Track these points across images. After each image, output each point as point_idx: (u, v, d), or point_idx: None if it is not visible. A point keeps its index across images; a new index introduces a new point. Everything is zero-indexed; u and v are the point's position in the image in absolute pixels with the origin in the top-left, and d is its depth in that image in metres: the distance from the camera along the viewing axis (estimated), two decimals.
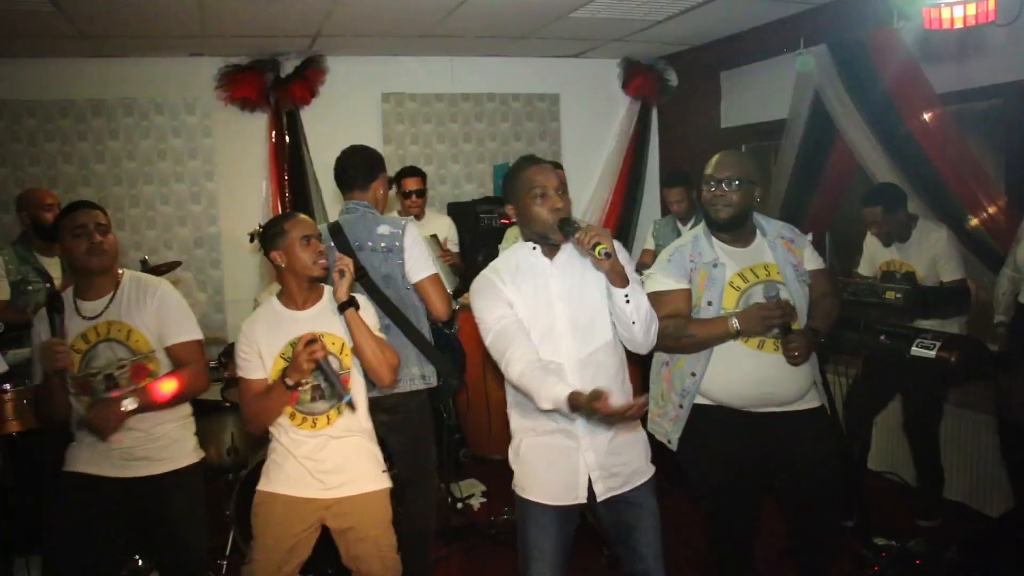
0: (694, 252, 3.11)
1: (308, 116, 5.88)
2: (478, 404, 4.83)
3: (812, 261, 3.21)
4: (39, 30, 4.76)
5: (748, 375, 3.04)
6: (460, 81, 6.29)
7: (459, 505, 4.85)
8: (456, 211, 5.89)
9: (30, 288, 4.10)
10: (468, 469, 5.33)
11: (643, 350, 2.71)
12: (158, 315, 2.93)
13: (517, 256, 2.74)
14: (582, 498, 2.67)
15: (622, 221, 6.62)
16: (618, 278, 2.54)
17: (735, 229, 3.10)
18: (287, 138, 5.82)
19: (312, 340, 2.73)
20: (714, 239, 3.13)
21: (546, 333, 2.62)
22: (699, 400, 3.11)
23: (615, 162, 6.67)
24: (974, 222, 4.53)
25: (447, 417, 5.06)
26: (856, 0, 4.76)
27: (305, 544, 2.95)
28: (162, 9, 4.49)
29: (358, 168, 3.61)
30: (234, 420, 4.52)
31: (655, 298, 2.94)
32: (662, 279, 3.10)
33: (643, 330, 2.62)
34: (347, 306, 2.87)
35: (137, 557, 3.96)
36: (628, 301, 2.56)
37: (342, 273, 2.86)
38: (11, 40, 4.97)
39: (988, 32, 4.04)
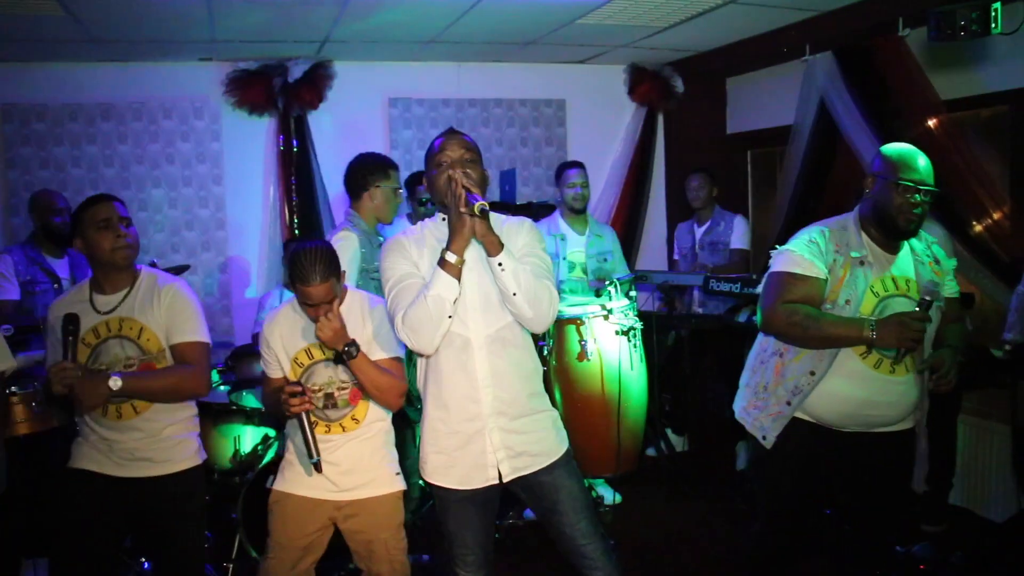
0: (840, 242, 2.85)
1: (315, 120, 5.88)
2: None
3: (950, 288, 2.98)
4: (49, 34, 4.79)
5: (857, 393, 2.83)
6: (466, 87, 6.31)
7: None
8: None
9: (38, 289, 4.13)
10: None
11: (538, 327, 2.62)
12: (168, 312, 2.90)
13: (430, 223, 2.71)
14: (493, 479, 2.62)
15: (627, 227, 6.62)
16: (489, 244, 2.47)
17: (906, 239, 2.89)
18: (294, 142, 5.83)
19: (296, 393, 2.72)
20: (864, 234, 2.87)
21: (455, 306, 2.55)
22: (797, 413, 2.91)
23: (621, 168, 6.67)
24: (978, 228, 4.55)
25: None
26: (862, 7, 4.77)
27: (319, 542, 2.99)
28: (172, 14, 4.51)
29: (348, 181, 3.68)
30: (240, 423, 4.54)
31: (787, 279, 2.84)
32: (801, 260, 2.83)
33: (527, 302, 2.51)
34: (341, 359, 2.79)
35: (143, 559, 3.99)
36: (503, 268, 2.47)
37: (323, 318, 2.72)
38: (21, 44, 5.00)
39: (994, 40, 4.05)
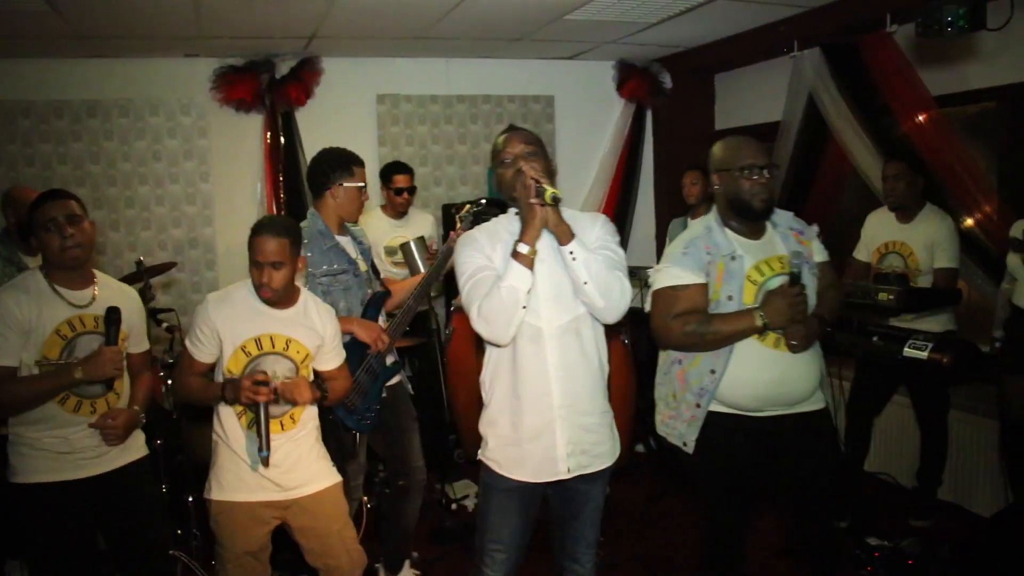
0: (709, 244, 2.96)
1: (303, 117, 5.86)
2: (471, 407, 4.82)
3: (820, 253, 3.13)
4: (34, 30, 4.75)
5: (766, 375, 2.93)
6: (455, 83, 6.29)
7: (453, 506, 4.86)
8: (451, 213, 5.88)
9: None
10: (462, 470, 5.34)
11: (609, 318, 2.64)
12: (137, 322, 3.03)
13: (500, 224, 2.74)
14: (562, 473, 2.64)
15: (616, 223, 6.54)
16: (561, 233, 2.54)
17: (767, 219, 3.01)
18: (282, 139, 5.80)
19: (263, 382, 2.72)
20: (727, 230, 3.00)
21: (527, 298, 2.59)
22: (711, 406, 2.98)
23: (610, 164, 6.68)
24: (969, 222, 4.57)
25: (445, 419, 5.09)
26: (850, 3, 4.78)
27: (268, 541, 2.98)
28: (158, 10, 4.48)
29: (309, 178, 3.55)
30: None
31: (670, 293, 2.93)
32: (678, 272, 2.94)
33: (598, 292, 2.55)
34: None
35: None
36: (574, 258, 2.53)
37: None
38: (5, 40, 4.95)
39: (981, 36, 4.06)
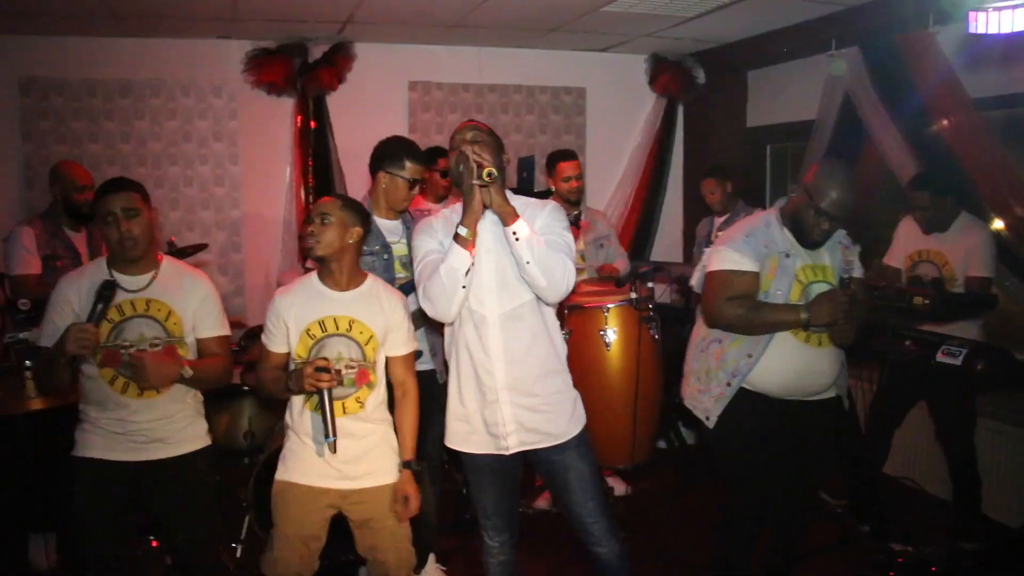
0: (767, 238, 3.16)
1: (334, 102, 5.85)
2: None
3: (857, 270, 3.27)
4: (69, 8, 4.76)
5: (793, 367, 3.15)
6: (487, 72, 6.26)
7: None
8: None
9: (58, 264, 4.08)
10: None
11: (552, 297, 2.72)
12: (201, 306, 2.98)
13: (455, 212, 2.79)
14: (504, 449, 2.80)
15: (644, 218, 6.59)
16: (504, 215, 2.63)
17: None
18: (312, 124, 5.80)
19: (324, 368, 2.73)
20: (785, 230, 3.19)
21: (472, 285, 2.71)
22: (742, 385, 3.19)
23: (639, 158, 6.63)
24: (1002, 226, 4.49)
25: None
26: (890, 3, 4.71)
27: (323, 530, 2.99)
28: None
29: (371, 156, 3.62)
30: (251, 404, 4.54)
31: (727, 276, 3.12)
32: (737, 258, 3.13)
33: (541, 271, 2.63)
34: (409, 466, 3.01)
35: (152, 538, 3.98)
36: (517, 238, 2.62)
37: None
38: (40, 17, 4.97)
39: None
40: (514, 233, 2.62)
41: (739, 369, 3.16)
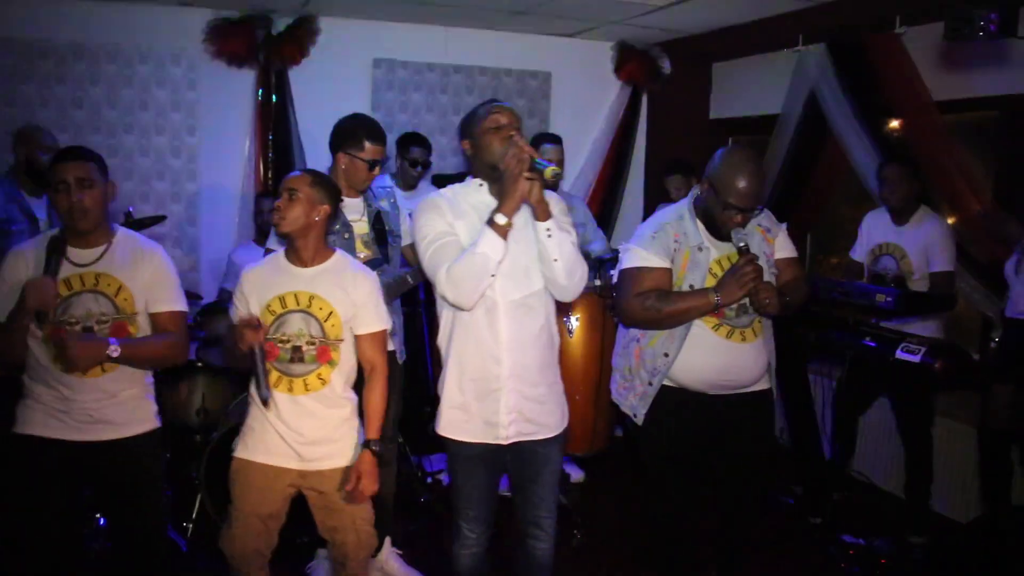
0: (679, 232, 3.11)
1: (297, 77, 5.72)
2: None
3: (784, 249, 3.25)
4: None
5: (715, 362, 3.13)
6: (453, 52, 6.18)
7: (428, 480, 4.83)
8: (441, 183, 5.77)
9: (14, 228, 3.94)
10: (436, 444, 5.29)
11: (567, 296, 2.76)
12: (152, 280, 2.87)
13: (463, 189, 2.79)
14: (501, 439, 2.76)
15: (606, 205, 6.58)
16: (541, 210, 2.62)
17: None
18: (274, 97, 5.67)
19: (252, 325, 2.70)
20: (699, 222, 3.13)
21: None
22: (664, 381, 3.18)
23: (602, 145, 6.61)
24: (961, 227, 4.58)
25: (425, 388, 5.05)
26: (859, 2, 4.76)
27: (282, 510, 2.95)
28: None
29: (330, 135, 3.53)
30: (205, 381, 4.46)
31: (636, 273, 3.08)
32: (645, 255, 3.09)
33: (565, 271, 2.67)
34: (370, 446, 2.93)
35: (98, 515, 3.89)
36: (550, 235, 2.63)
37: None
38: None
39: (984, 45, 4.06)
40: (547, 230, 2.62)
41: (657, 368, 3.15)
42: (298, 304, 2.84)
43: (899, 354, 3.62)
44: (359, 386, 3.00)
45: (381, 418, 2.98)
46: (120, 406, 2.84)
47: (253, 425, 2.91)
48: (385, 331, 3.00)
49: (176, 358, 2.98)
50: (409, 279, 3.58)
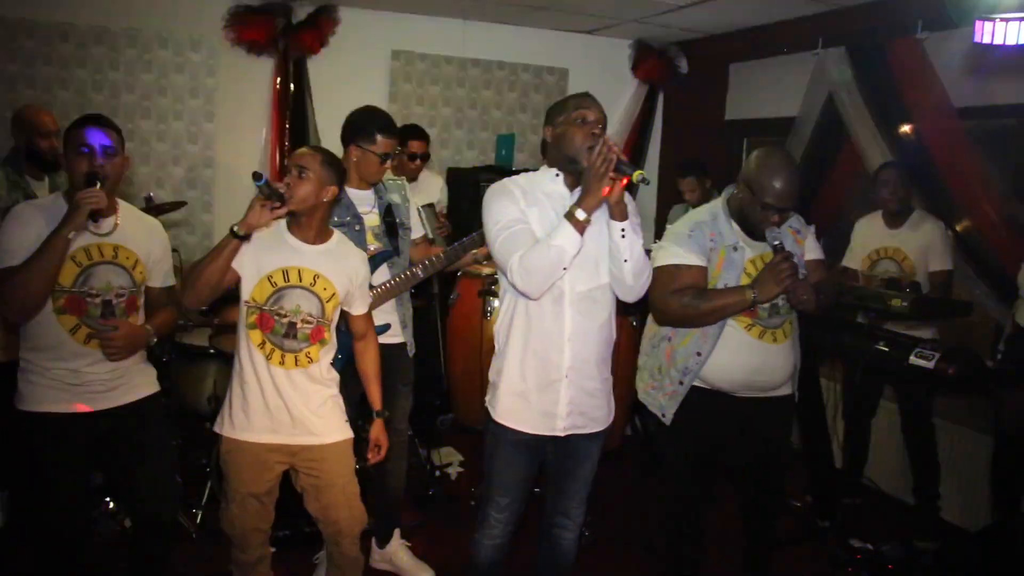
0: (714, 231, 3.10)
1: (315, 66, 5.75)
2: (470, 374, 4.78)
3: (813, 251, 3.26)
4: None
5: (747, 362, 3.11)
6: (471, 46, 6.19)
7: (437, 473, 4.83)
8: (456, 177, 5.83)
9: None
10: (446, 437, 5.32)
11: (630, 296, 2.76)
12: (162, 255, 2.95)
13: (537, 177, 2.78)
14: (557, 430, 2.77)
15: None
16: (619, 210, 2.61)
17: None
18: (291, 86, 5.69)
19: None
20: (733, 222, 3.12)
21: None
22: (695, 382, 3.15)
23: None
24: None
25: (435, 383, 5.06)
26: (880, 7, 4.75)
27: (275, 486, 2.97)
28: None
29: (342, 127, 3.51)
30: (217, 368, 4.45)
31: (672, 271, 3.05)
32: (681, 252, 3.07)
33: (633, 272, 2.68)
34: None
35: (108, 500, 3.91)
36: (624, 235, 2.63)
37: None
38: None
39: (1008, 53, 4.06)
40: (622, 230, 2.63)
41: (689, 367, 3.13)
42: (301, 280, 2.82)
43: (913, 359, 3.61)
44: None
45: (379, 381, 3.07)
46: (129, 372, 2.89)
47: (236, 403, 2.88)
48: (370, 314, 3.09)
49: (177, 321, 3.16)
50: (419, 272, 3.58)
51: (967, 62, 4.62)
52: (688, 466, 3.28)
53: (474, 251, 3.68)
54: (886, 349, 3.77)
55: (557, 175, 2.73)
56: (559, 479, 2.91)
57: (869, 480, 4.88)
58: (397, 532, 3.86)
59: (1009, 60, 4.34)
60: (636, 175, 2.49)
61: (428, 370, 5.09)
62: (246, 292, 2.81)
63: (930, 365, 3.55)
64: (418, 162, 5.02)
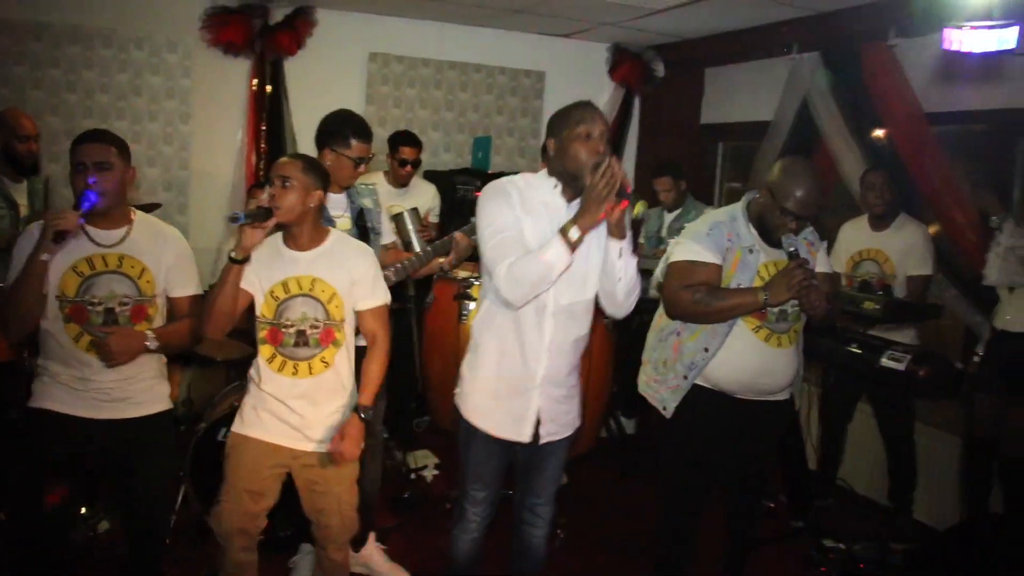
0: (732, 232, 3.14)
1: (292, 68, 5.72)
2: (446, 377, 4.76)
3: (822, 264, 3.29)
4: None
5: (751, 363, 3.14)
6: (448, 48, 6.19)
7: (412, 476, 4.83)
8: (433, 179, 5.81)
9: None
10: (422, 440, 5.32)
11: (619, 313, 2.81)
12: (175, 264, 2.93)
13: (536, 183, 2.77)
14: (525, 437, 2.81)
15: None
16: (618, 230, 2.62)
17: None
18: (268, 88, 5.67)
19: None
20: (751, 225, 3.17)
21: None
22: (697, 380, 3.18)
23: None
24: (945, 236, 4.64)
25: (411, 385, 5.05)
26: (853, 13, 4.80)
27: (273, 489, 2.98)
28: None
29: (316, 131, 3.51)
30: (191, 371, 4.45)
31: (688, 266, 3.11)
32: (698, 249, 3.11)
33: (625, 291, 2.72)
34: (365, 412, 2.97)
35: (81, 506, 3.88)
36: (620, 256, 2.66)
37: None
38: None
39: (972, 61, 4.12)
40: (620, 250, 2.65)
41: (696, 363, 3.16)
42: (300, 288, 2.87)
43: (884, 361, 3.66)
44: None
45: (377, 386, 3.03)
46: (137, 385, 2.89)
47: (251, 402, 2.94)
48: (386, 305, 3.04)
49: (196, 341, 3.05)
50: (392, 276, 3.59)
51: (937, 68, 4.69)
52: (685, 463, 3.30)
53: (440, 259, 3.68)
54: (858, 351, 3.83)
55: (556, 186, 2.72)
56: (527, 477, 2.96)
57: (843, 481, 4.94)
58: (372, 535, 3.86)
59: (977, 67, 4.42)
60: (637, 209, 2.56)
61: (404, 373, 5.08)
62: (257, 309, 2.88)
63: (901, 367, 3.61)
64: (409, 168, 5.02)
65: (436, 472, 4.97)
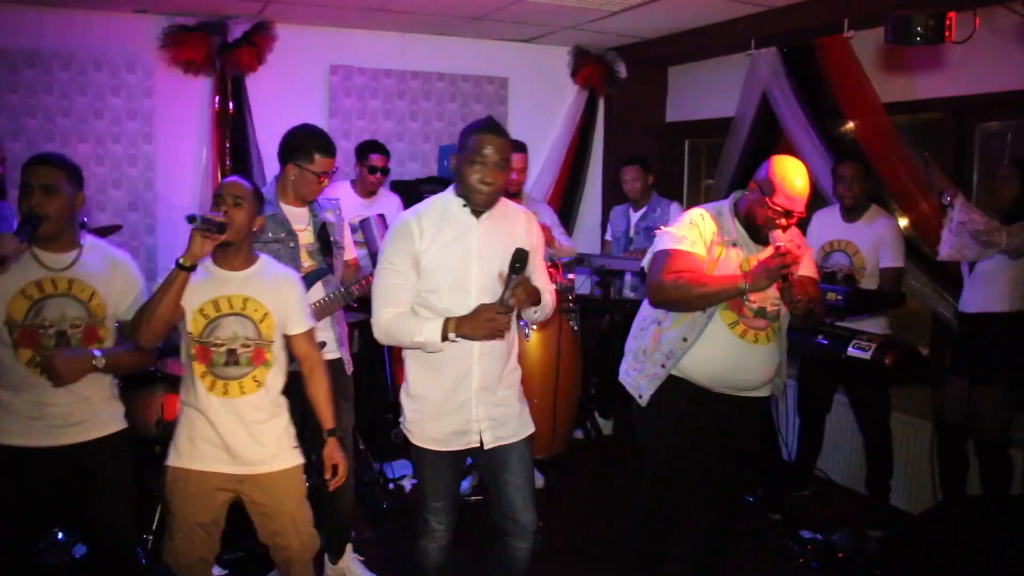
0: (718, 225, 3.18)
1: (253, 84, 5.70)
2: None
3: (807, 268, 3.29)
4: None
5: (725, 359, 3.17)
6: (410, 58, 6.20)
7: (390, 486, 4.83)
8: (399, 190, 5.82)
9: None
10: (399, 450, 5.30)
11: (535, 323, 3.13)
12: (124, 288, 2.92)
13: (445, 204, 2.85)
14: (473, 443, 2.89)
15: (564, 209, 6.62)
16: (527, 304, 2.86)
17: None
18: (231, 105, 5.65)
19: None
20: (736, 221, 3.21)
21: (456, 286, 2.80)
22: (674, 371, 3.22)
23: (560, 150, 6.66)
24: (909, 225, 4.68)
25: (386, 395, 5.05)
26: (810, 6, 4.85)
27: (223, 515, 2.97)
28: None
29: (279, 146, 3.55)
30: (165, 390, 4.40)
31: (672, 253, 3.12)
32: (684, 239, 3.14)
33: (543, 317, 3.09)
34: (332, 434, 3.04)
35: (57, 530, 3.85)
36: (536, 313, 2.96)
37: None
38: None
39: (938, 48, 4.18)
40: (535, 311, 2.96)
41: (674, 351, 3.18)
42: (232, 307, 2.86)
43: (850, 351, 3.69)
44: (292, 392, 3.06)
45: (330, 406, 3.06)
46: (92, 407, 2.87)
47: (183, 432, 2.92)
48: (313, 329, 3.09)
49: (147, 364, 3.16)
50: (355, 291, 3.59)
51: (891, 58, 4.75)
52: (666, 451, 3.33)
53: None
54: (825, 342, 3.86)
55: (464, 205, 2.83)
56: (495, 477, 2.97)
57: (820, 470, 4.97)
58: (349, 547, 3.86)
59: (928, 56, 4.48)
60: (527, 328, 2.93)
61: (380, 384, 5.08)
62: (186, 326, 2.85)
63: (867, 356, 3.64)
64: (379, 175, 5.04)
65: (414, 482, 4.95)
